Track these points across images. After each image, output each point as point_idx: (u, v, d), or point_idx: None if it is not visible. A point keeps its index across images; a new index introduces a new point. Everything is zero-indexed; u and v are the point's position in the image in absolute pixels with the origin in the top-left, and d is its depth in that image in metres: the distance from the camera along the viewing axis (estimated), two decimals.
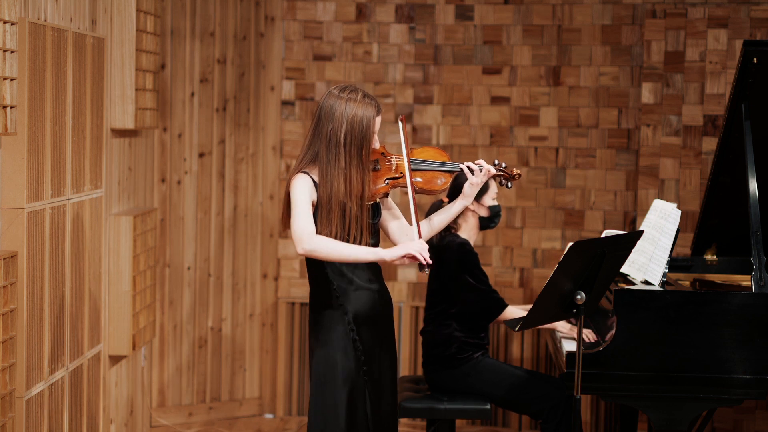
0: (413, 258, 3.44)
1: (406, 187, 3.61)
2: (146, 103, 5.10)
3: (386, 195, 3.68)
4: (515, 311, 4.61)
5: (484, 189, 4.61)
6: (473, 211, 4.64)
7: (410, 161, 3.65)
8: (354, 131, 3.54)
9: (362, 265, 3.63)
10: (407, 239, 3.70)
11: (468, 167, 3.70)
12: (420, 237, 3.57)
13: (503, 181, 3.78)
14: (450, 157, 3.75)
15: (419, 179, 3.68)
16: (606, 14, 5.84)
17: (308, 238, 3.43)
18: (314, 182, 3.56)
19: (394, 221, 3.77)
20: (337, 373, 3.60)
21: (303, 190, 3.51)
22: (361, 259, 3.49)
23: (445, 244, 4.64)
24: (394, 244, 3.70)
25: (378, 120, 3.60)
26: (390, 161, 3.66)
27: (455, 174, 3.74)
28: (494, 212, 4.66)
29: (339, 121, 3.54)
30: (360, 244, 3.55)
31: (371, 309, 3.65)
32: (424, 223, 3.76)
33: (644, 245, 4.34)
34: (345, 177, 3.53)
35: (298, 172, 3.57)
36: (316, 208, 3.54)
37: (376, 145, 3.64)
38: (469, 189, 3.72)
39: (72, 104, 4.25)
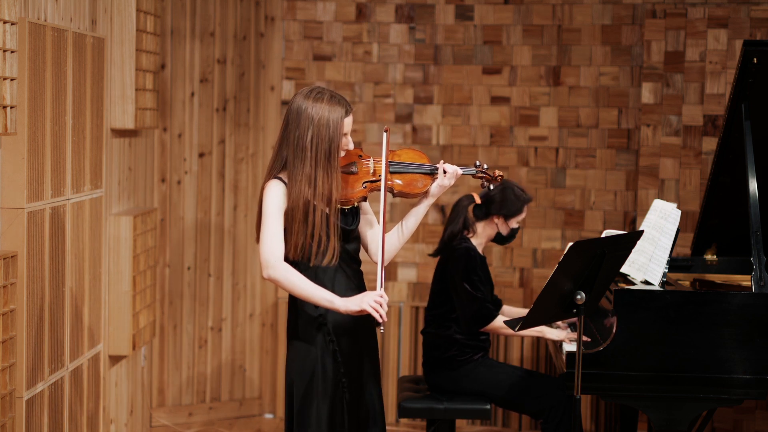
0: (369, 313, 3.32)
1: (385, 190, 3.49)
2: (146, 103, 5.10)
3: (364, 198, 3.56)
4: (502, 323, 4.58)
5: (517, 211, 4.65)
6: (497, 224, 4.66)
7: (389, 164, 3.53)
8: (321, 134, 3.40)
9: (343, 273, 3.50)
10: (377, 249, 3.53)
11: (438, 168, 3.59)
12: (382, 286, 3.38)
13: (485, 183, 3.76)
14: (429, 159, 3.66)
15: (399, 181, 3.57)
16: (606, 14, 5.84)
17: (273, 265, 3.36)
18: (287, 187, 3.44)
19: (368, 228, 3.62)
20: (317, 386, 3.46)
21: (274, 201, 3.40)
22: (317, 303, 3.39)
23: (452, 245, 4.64)
24: (367, 251, 3.62)
25: (348, 120, 3.45)
26: (368, 164, 3.54)
27: (435, 175, 3.61)
28: (511, 234, 4.71)
29: (305, 125, 3.40)
30: (327, 248, 3.43)
31: (352, 319, 3.47)
32: (394, 232, 3.62)
33: (644, 245, 4.34)
34: (310, 181, 3.39)
35: (271, 179, 3.44)
36: (288, 216, 3.42)
37: (351, 146, 3.51)
38: (437, 189, 3.60)
39: (72, 104, 4.25)
